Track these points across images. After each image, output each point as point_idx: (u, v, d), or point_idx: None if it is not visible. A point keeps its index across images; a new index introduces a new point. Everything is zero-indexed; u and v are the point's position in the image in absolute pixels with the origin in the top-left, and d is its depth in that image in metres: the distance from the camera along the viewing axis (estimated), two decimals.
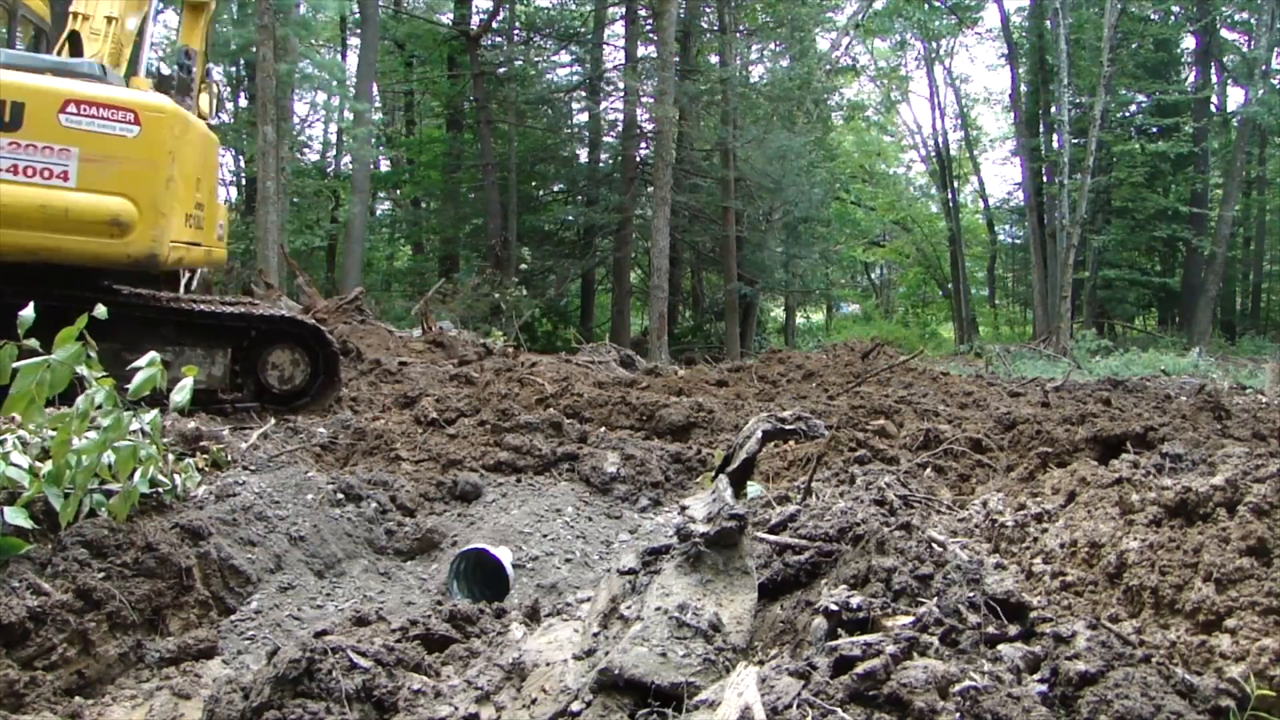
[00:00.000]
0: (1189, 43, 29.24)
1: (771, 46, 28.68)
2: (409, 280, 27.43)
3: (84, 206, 6.10)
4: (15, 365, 3.20)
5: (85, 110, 6.19)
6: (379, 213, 31.49)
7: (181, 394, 3.91)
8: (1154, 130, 25.90)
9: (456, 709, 2.36)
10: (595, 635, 2.49)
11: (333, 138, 29.52)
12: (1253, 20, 26.39)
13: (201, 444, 5.02)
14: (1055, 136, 25.79)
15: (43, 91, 6.09)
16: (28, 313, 3.67)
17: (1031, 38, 28.02)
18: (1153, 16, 27.23)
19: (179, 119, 6.48)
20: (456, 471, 5.22)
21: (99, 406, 3.43)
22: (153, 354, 3.75)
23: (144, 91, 6.71)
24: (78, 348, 3.32)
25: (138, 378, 3.61)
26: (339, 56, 27.23)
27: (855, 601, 2.30)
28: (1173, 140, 24.69)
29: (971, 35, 33.68)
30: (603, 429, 6.38)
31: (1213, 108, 29.00)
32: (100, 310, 3.74)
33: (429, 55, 28.71)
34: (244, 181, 26.00)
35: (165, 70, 8.00)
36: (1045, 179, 27.71)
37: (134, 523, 3.55)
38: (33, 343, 3.31)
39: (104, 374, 3.52)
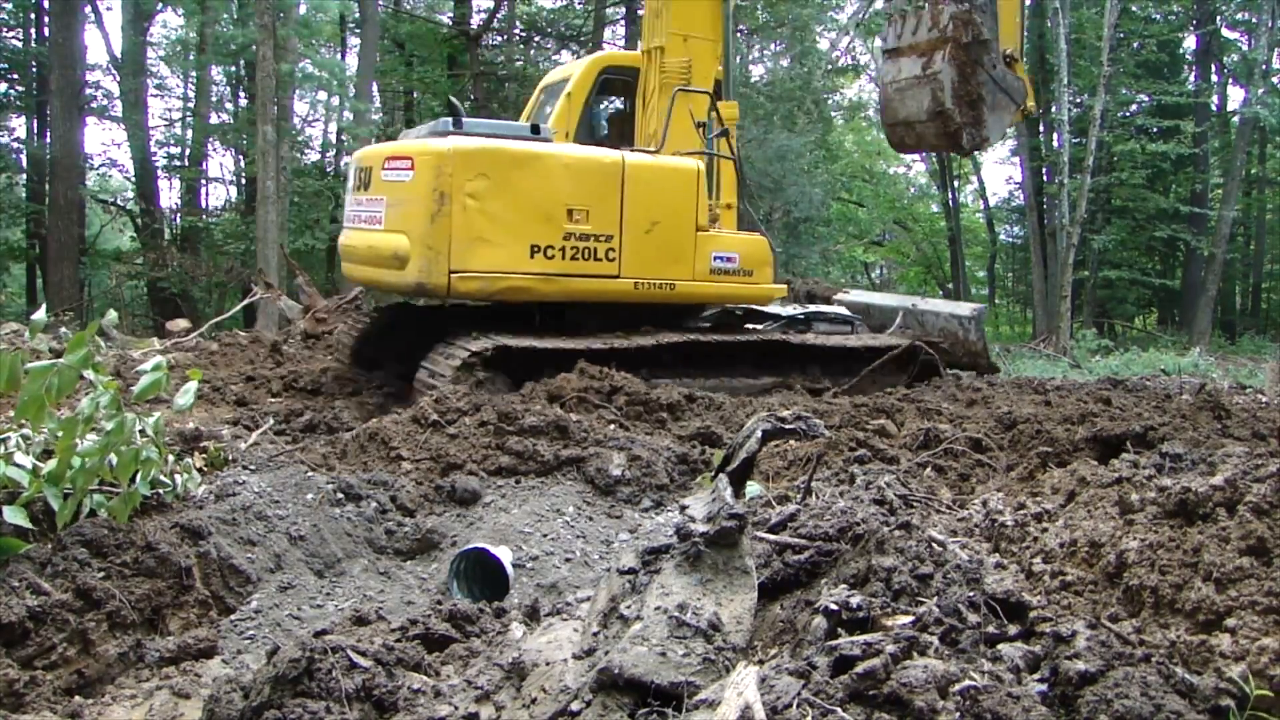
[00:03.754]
0: (1189, 43, 29.25)
1: (772, 46, 28.68)
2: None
3: None
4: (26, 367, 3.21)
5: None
6: None
7: (185, 397, 3.91)
8: (1154, 130, 25.88)
9: (456, 708, 2.36)
10: (595, 635, 2.49)
11: (333, 138, 29.53)
12: (1253, 20, 26.39)
13: (201, 444, 5.03)
14: (1055, 136, 25.77)
15: None
16: (40, 316, 3.71)
17: (1031, 37, 28.00)
18: (1155, 16, 27.21)
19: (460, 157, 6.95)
20: (457, 474, 5.23)
21: (103, 409, 3.43)
22: (158, 359, 3.76)
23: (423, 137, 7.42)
24: (85, 351, 3.32)
25: (142, 381, 3.61)
26: (339, 56, 27.23)
27: (855, 601, 2.30)
28: (1174, 141, 24.68)
29: None
30: (611, 426, 6.36)
31: (1213, 107, 29.01)
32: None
33: (429, 55, 28.70)
34: (244, 181, 25.99)
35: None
36: (1045, 179, 27.70)
37: (134, 522, 3.55)
38: (42, 350, 3.32)
39: (109, 376, 3.53)
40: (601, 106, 8.73)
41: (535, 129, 7.56)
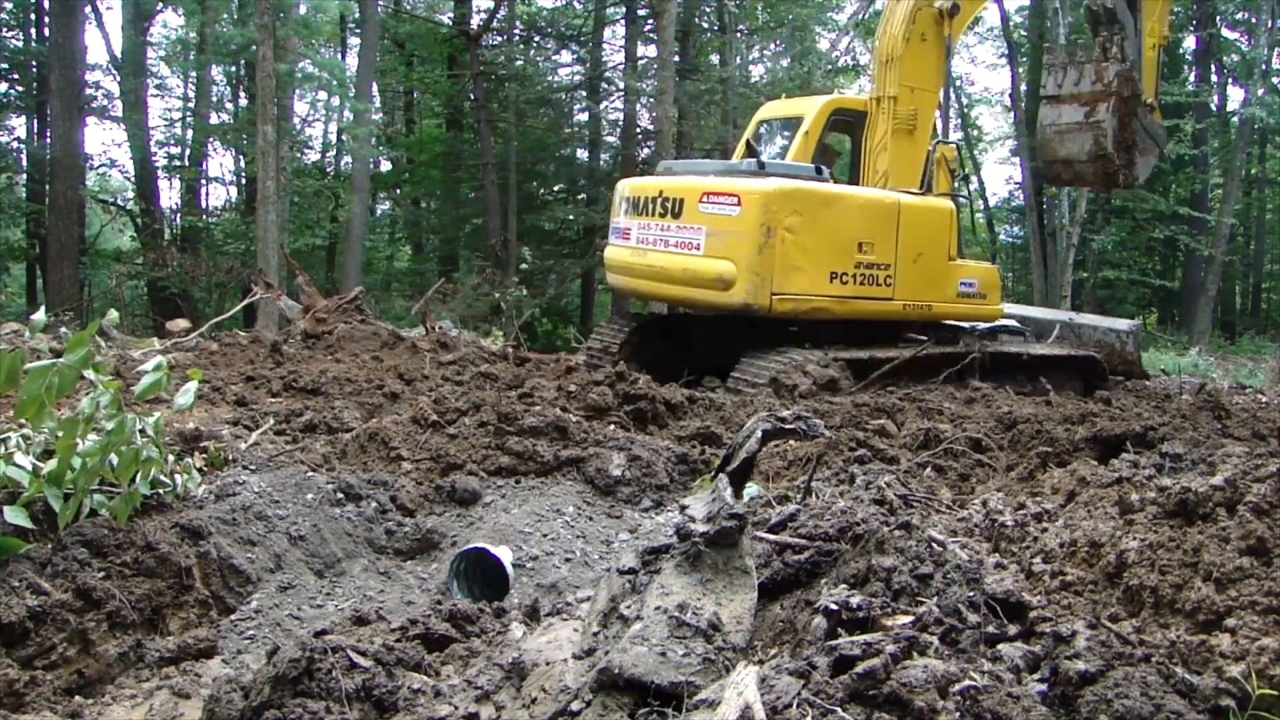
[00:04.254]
0: (1189, 43, 29.24)
1: (771, 46, 28.68)
2: (409, 280, 27.44)
3: None
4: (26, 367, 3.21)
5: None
6: (379, 213, 31.50)
7: (185, 397, 3.91)
8: None
9: (456, 708, 2.36)
10: (595, 635, 2.49)
11: (333, 138, 29.53)
12: (1253, 20, 26.39)
13: (201, 444, 5.02)
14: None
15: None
16: (39, 316, 3.73)
17: (1032, 37, 28.00)
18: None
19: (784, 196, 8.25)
20: (457, 474, 5.22)
21: (103, 408, 3.42)
22: (159, 359, 3.76)
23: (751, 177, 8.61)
24: (85, 351, 3.32)
25: (143, 381, 3.61)
26: (339, 56, 27.23)
27: (855, 601, 2.30)
28: (1174, 141, 24.66)
29: (972, 35, 33.69)
30: (611, 426, 6.36)
31: (1213, 107, 29.00)
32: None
33: (429, 55, 28.70)
34: (244, 181, 25.99)
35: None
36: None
37: (134, 522, 3.54)
38: (42, 347, 3.33)
39: (110, 376, 3.53)
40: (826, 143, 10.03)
41: (819, 170, 8.94)
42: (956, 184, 10.09)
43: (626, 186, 9.68)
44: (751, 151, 8.97)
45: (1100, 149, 9.51)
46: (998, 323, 10.33)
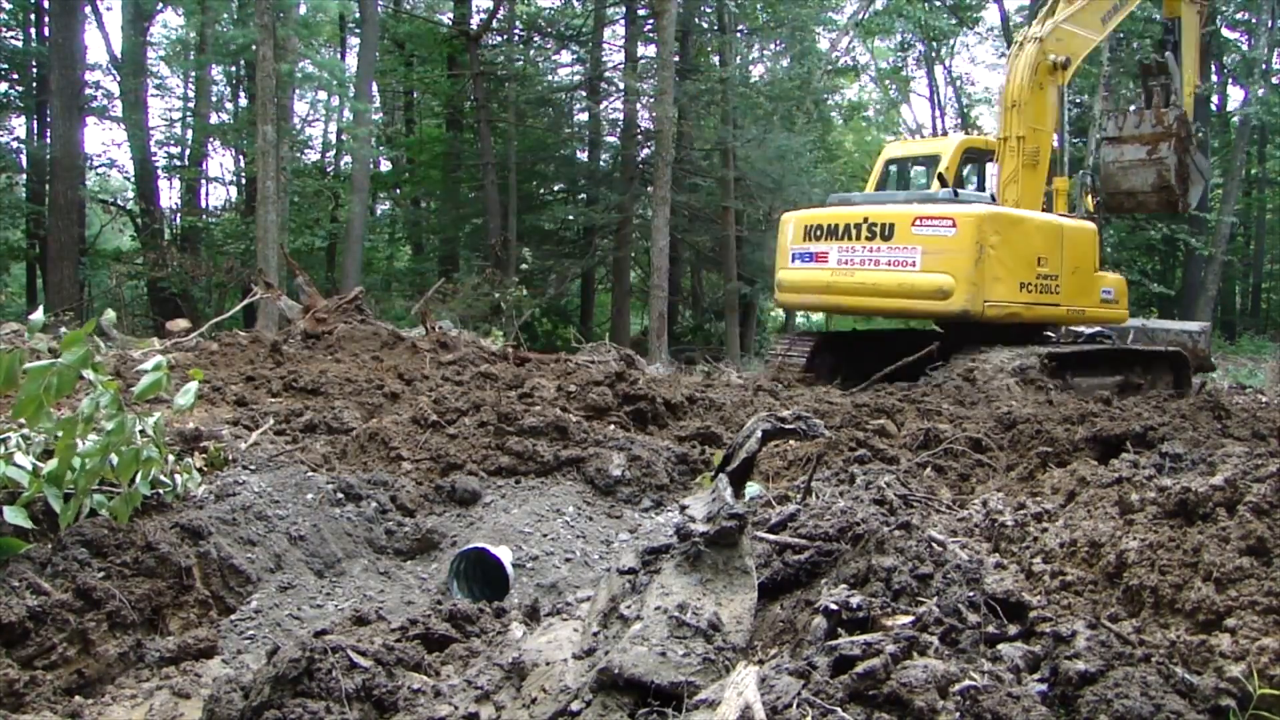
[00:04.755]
0: None
1: (772, 46, 28.67)
2: (409, 280, 27.44)
3: None
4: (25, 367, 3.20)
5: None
6: (379, 213, 31.51)
7: (186, 397, 3.91)
8: None
9: (456, 708, 2.36)
10: (595, 635, 2.49)
11: (333, 138, 29.53)
12: (1253, 20, 26.38)
13: (201, 444, 5.02)
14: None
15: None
16: (38, 316, 3.73)
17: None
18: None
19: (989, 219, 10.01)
20: (457, 474, 5.22)
21: (103, 408, 3.42)
22: (158, 359, 3.75)
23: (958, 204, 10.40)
24: (84, 350, 3.31)
25: (143, 381, 3.61)
26: (339, 56, 27.23)
27: (855, 601, 2.30)
28: None
29: (972, 35, 33.70)
30: (611, 426, 6.37)
31: (1213, 107, 28.99)
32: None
33: (429, 55, 28.69)
34: (244, 181, 25.99)
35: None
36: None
37: (134, 522, 3.54)
38: (42, 347, 3.33)
39: (109, 376, 3.53)
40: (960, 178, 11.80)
41: (992, 198, 10.83)
42: (1086, 210, 12.23)
43: (805, 217, 11.55)
44: (943, 183, 10.84)
45: (1164, 181, 11.29)
46: (1094, 329, 11.85)
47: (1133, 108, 11.68)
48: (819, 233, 11.09)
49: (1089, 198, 12.22)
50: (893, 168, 12.49)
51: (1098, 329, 11.84)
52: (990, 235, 9.74)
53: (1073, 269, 10.72)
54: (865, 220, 10.59)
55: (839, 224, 10.89)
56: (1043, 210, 11.19)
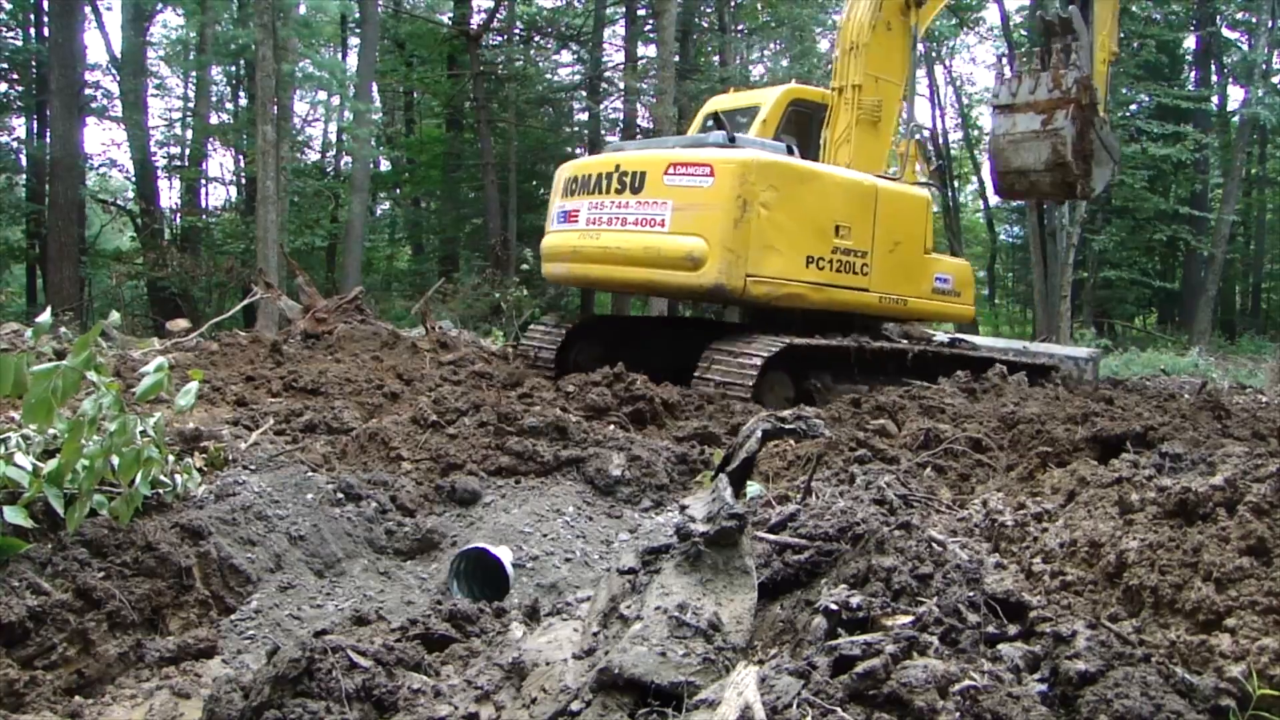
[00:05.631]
0: (1189, 43, 29.26)
1: (772, 46, 28.67)
2: (409, 280, 27.45)
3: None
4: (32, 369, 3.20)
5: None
6: (379, 213, 31.52)
7: (186, 397, 3.92)
8: (1155, 132, 25.89)
9: (456, 708, 2.36)
10: (595, 635, 2.49)
11: (333, 138, 29.53)
12: (1253, 20, 26.39)
13: (201, 444, 5.02)
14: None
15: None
16: (44, 319, 3.73)
17: (1032, 37, 28.01)
18: (1155, 17, 27.22)
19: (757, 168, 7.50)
20: (457, 474, 5.21)
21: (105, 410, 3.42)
22: (160, 360, 3.76)
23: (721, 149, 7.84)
24: (88, 353, 3.32)
25: (144, 382, 3.61)
26: (339, 56, 27.23)
27: (855, 601, 2.30)
28: (1178, 146, 24.67)
29: (972, 35, 33.69)
30: (610, 426, 6.38)
31: (1213, 107, 29.01)
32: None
33: (429, 55, 28.71)
34: (244, 181, 26.00)
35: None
36: None
37: (134, 522, 3.55)
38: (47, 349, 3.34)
39: (112, 378, 3.53)
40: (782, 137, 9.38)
41: (790, 149, 8.24)
42: (930, 175, 9.69)
43: (570, 167, 8.89)
44: (720, 124, 8.19)
45: (1059, 157, 9.39)
46: (956, 336, 10.02)
47: (1034, 69, 9.69)
48: (575, 186, 8.55)
49: (922, 162, 9.74)
50: (710, 123, 9.82)
51: (956, 336, 10.03)
52: (759, 189, 7.36)
53: (890, 245, 8.40)
54: (616, 169, 7.98)
55: (591, 174, 8.29)
56: (913, 176, 9.21)
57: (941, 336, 10.02)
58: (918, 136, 9.64)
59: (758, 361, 7.15)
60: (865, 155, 9.03)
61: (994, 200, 36.02)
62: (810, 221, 7.81)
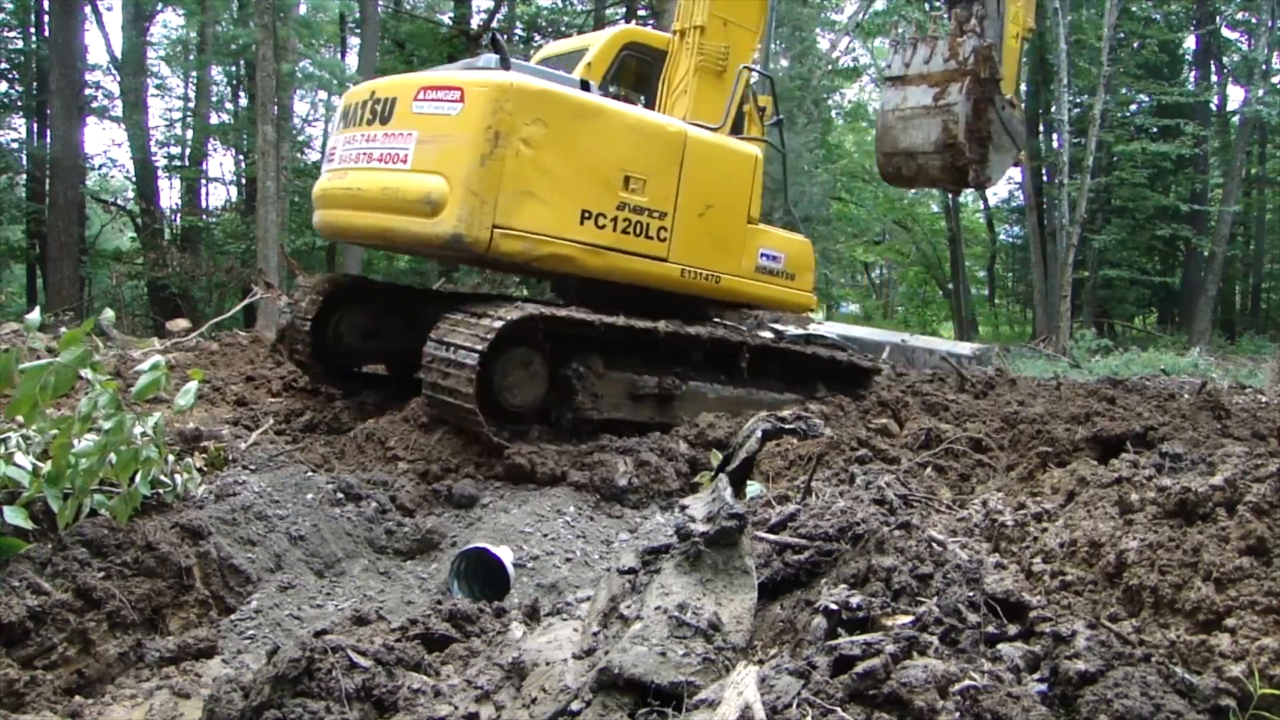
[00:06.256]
0: (1189, 43, 29.26)
1: (771, 46, 28.64)
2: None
3: None
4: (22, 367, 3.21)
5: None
6: None
7: (186, 397, 3.91)
8: (1154, 131, 25.90)
9: (456, 708, 2.36)
10: (595, 634, 2.49)
11: None
12: (1253, 20, 26.40)
13: (201, 444, 5.03)
14: (1055, 137, 25.77)
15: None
16: (34, 316, 3.72)
17: (1032, 37, 27.99)
18: (1155, 16, 27.21)
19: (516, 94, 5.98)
20: (454, 476, 5.21)
21: (101, 408, 3.42)
22: (157, 358, 3.76)
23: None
24: (83, 350, 3.32)
25: (141, 380, 3.61)
26: (339, 56, 27.23)
27: (855, 601, 2.30)
28: (1176, 143, 24.68)
29: None
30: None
31: (1213, 107, 29.02)
32: None
33: (429, 55, 28.67)
34: (244, 181, 26.00)
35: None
36: (1045, 179, 27.72)
37: (134, 522, 3.55)
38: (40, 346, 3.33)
39: (109, 376, 3.53)
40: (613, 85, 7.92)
41: (585, 84, 6.74)
42: (766, 130, 8.04)
43: (344, 97, 7.40)
44: (497, 47, 6.56)
45: (949, 136, 8.08)
46: (809, 331, 8.75)
47: (930, 36, 8.52)
48: (340, 120, 7.10)
49: (756, 114, 8.16)
50: (543, 67, 7.96)
51: (812, 334, 8.65)
52: (520, 121, 5.92)
53: (700, 209, 6.89)
54: (371, 95, 6.60)
55: (352, 104, 6.83)
56: (726, 128, 7.51)
57: (791, 330, 8.70)
58: (742, 69, 7.79)
59: (494, 328, 5.65)
60: (705, 107, 7.54)
61: (994, 200, 36.08)
62: (590, 168, 6.30)
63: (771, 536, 2.93)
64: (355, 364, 7.59)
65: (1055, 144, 25.73)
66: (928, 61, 8.31)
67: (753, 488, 4.40)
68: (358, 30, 24.73)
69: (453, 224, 5.78)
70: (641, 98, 7.98)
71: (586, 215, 6.28)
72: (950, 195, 32.72)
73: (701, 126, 7.12)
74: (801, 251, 7.96)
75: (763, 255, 7.53)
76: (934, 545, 2.65)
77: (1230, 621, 2.16)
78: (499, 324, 5.60)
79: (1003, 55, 8.38)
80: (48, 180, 19.52)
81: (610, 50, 7.64)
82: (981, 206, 37.29)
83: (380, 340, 7.25)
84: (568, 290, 6.84)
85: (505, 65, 6.27)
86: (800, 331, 8.65)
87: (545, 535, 4.51)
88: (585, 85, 6.69)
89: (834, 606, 2.27)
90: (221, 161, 28.06)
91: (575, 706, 2.08)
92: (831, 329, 10.32)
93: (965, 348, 10.21)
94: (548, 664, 2.43)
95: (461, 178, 5.81)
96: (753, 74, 7.86)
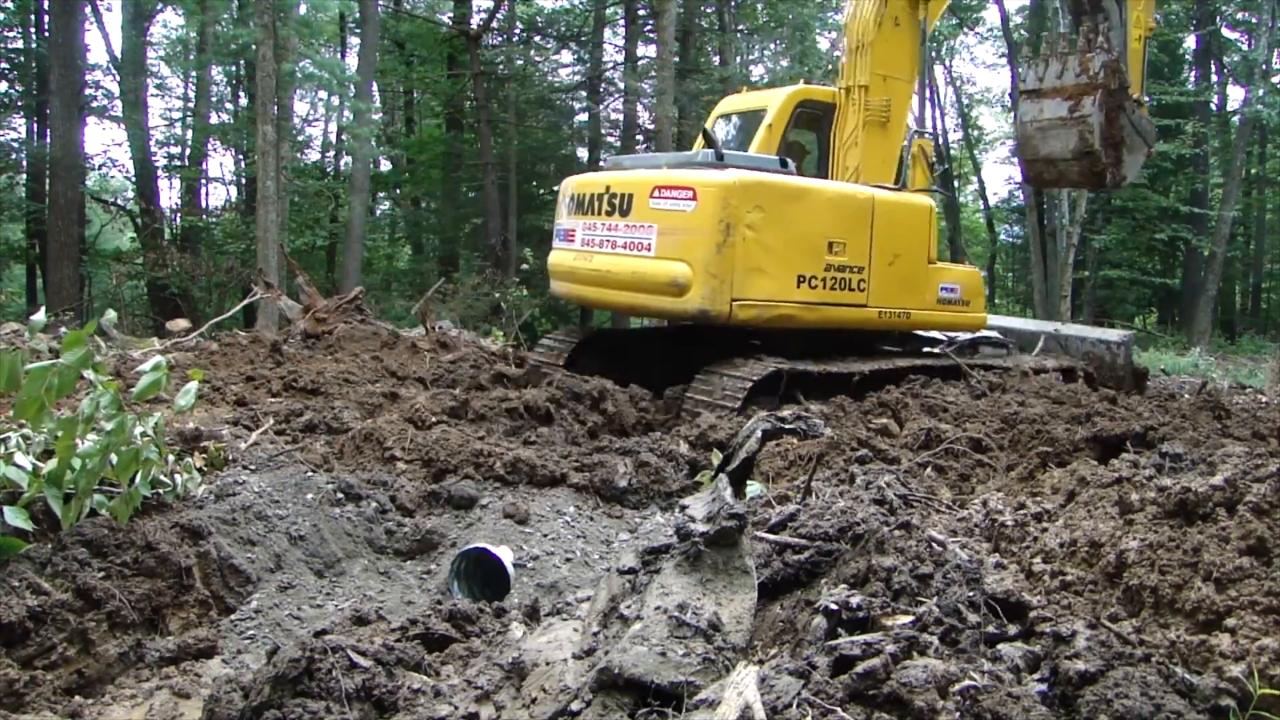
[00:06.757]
0: (1189, 43, 29.26)
1: (772, 46, 28.68)
2: (409, 280, 27.45)
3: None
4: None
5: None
6: (379, 213, 31.52)
7: (186, 397, 3.92)
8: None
9: (456, 708, 2.36)
10: (595, 634, 2.49)
11: (333, 138, 29.53)
12: (1253, 20, 26.40)
13: (201, 444, 5.02)
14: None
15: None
16: (39, 317, 3.73)
17: (1032, 37, 28.01)
18: (1156, 17, 27.21)
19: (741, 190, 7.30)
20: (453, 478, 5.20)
21: (102, 409, 3.42)
22: (158, 359, 3.76)
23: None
24: (85, 351, 3.31)
25: (142, 381, 3.61)
26: (339, 56, 27.24)
27: (855, 601, 2.30)
28: (1176, 143, 24.68)
29: (972, 35, 33.71)
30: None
31: (1213, 107, 29.02)
32: None
33: (429, 55, 28.70)
34: (244, 181, 26.00)
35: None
36: None
37: (134, 522, 3.55)
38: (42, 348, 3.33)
39: (110, 376, 3.53)
40: (792, 139, 9.12)
41: (784, 163, 7.98)
42: (935, 180, 9.29)
43: (572, 184, 8.80)
44: (709, 142, 8.01)
45: (1086, 145, 8.84)
46: (979, 334, 9.60)
47: (1061, 53, 9.24)
48: (573, 205, 8.55)
49: (925, 166, 9.39)
50: (721, 124, 9.88)
51: (981, 335, 9.60)
52: (744, 211, 7.21)
53: (890, 258, 8.19)
54: (607, 190, 7.98)
55: (586, 194, 8.31)
56: (895, 184, 8.86)
57: (964, 336, 9.62)
58: (923, 138, 9.26)
59: (745, 385, 7.11)
60: (874, 158, 8.87)
61: (994, 200, 36.10)
62: (801, 240, 7.59)
63: (771, 536, 2.93)
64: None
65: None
66: (1060, 76, 9.06)
67: (753, 488, 4.40)
68: (358, 30, 24.73)
69: (699, 302, 7.20)
70: (814, 135, 9.36)
71: (801, 279, 7.61)
72: (950, 193, 32.76)
73: (883, 188, 8.46)
74: (973, 280, 9.25)
75: (943, 289, 8.82)
76: (934, 545, 2.65)
77: (1230, 621, 2.17)
78: (746, 385, 7.02)
79: (1128, 59, 9.19)
80: (48, 180, 19.51)
81: (786, 109, 8.91)
82: (981, 206, 37.32)
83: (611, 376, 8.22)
84: (788, 339, 8.06)
85: (719, 158, 7.64)
86: (965, 336, 9.67)
87: (545, 535, 4.51)
88: (784, 164, 7.99)
89: (834, 606, 2.27)
90: (221, 161, 28.09)
91: (575, 706, 2.08)
92: (993, 320, 11.17)
93: (1114, 334, 11.14)
94: (548, 664, 2.43)
95: (702, 264, 7.17)
96: (928, 139, 9.11)
